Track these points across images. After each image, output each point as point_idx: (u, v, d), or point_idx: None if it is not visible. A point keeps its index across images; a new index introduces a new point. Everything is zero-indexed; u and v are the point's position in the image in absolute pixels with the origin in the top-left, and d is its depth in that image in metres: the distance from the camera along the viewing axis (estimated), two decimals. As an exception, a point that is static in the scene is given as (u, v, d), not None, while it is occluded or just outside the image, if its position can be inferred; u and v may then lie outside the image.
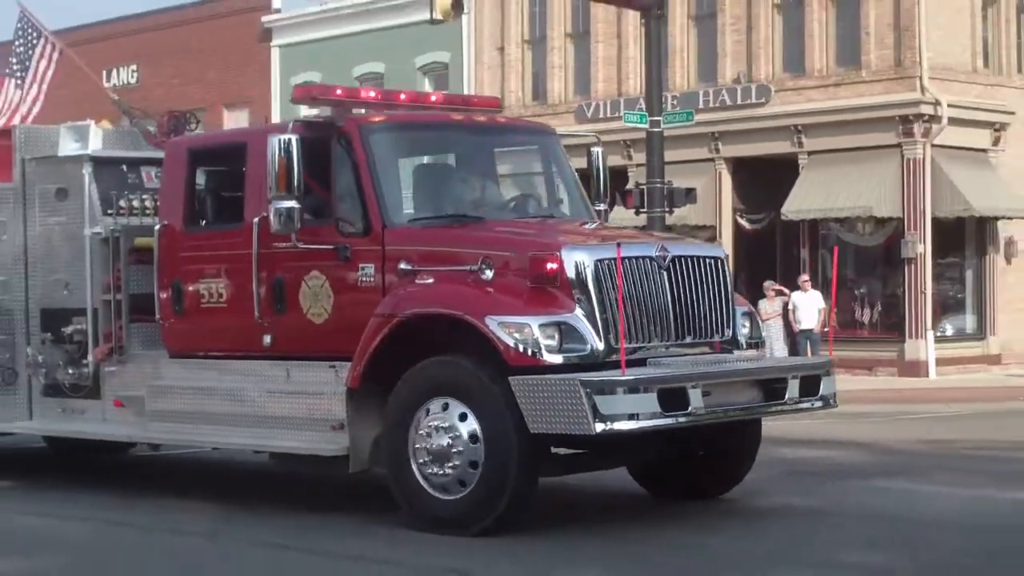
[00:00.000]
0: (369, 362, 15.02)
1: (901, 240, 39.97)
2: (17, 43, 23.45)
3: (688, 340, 15.10)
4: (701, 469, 16.58)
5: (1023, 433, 24.03)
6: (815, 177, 41.16)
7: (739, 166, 43.21)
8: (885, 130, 40.29)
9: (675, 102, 41.31)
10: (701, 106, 41.65)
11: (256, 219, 16.05)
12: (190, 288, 16.99)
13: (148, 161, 18.66)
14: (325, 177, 15.66)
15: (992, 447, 22.12)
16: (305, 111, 20.48)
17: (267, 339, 16.30)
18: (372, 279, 15.39)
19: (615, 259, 14.40)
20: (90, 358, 18.12)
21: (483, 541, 14.19)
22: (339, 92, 16.69)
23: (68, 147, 18.13)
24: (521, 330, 14.14)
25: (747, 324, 15.99)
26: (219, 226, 17.08)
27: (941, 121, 39.85)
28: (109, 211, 18.09)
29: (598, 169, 17.76)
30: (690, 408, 14.23)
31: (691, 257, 15.30)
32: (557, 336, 14.16)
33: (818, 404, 15.82)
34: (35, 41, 23.38)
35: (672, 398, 14.12)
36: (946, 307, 42.13)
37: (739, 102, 42.75)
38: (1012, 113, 41.40)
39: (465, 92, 45.89)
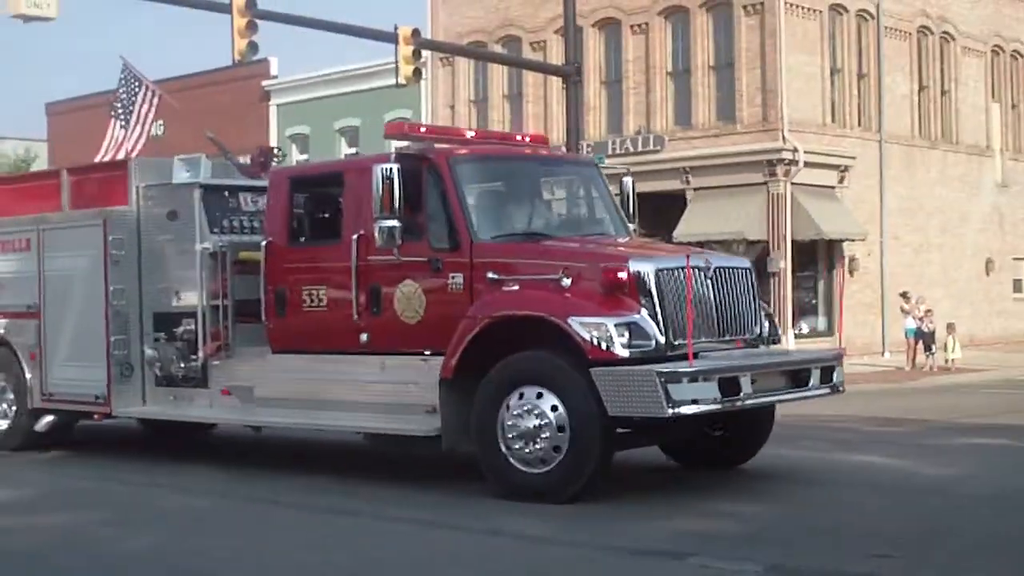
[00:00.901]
0: (461, 356, 13.78)
1: (767, 258, 38.82)
2: (120, 90, 21.92)
3: (727, 337, 14.01)
4: (725, 443, 15.39)
5: (860, 409, 23.36)
6: (699, 208, 40.11)
7: (640, 200, 41.28)
8: (755, 171, 39.33)
9: (590, 149, 39.95)
10: (610, 152, 40.55)
11: (355, 236, 14.78)
12: (292, 294, 15.56)
13: (245, 188, 17.22)
14: (417, 200, 14.33)
15: (841, 420, 21.31)
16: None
17: (364, 337, 14.91)
18: (460, 286, 14.15)
19: (672, 268, 13.60)
20: (201, 354, 16.55)
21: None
22: (422, 129, 15.59)
23: (180, 176, 16.44)
24: (599, 328, 13.04)
25: (768, 324, 14.85)
26: (319, 242, 15.64)
27: (798, 164, 38.98)
28: (215, 230, 16.60)
29: (628, 195, 16.65)
30: (741, 394, 13.30)
31: (728, 267, 14.35)
32: (627, 334, 13.08)
33: (831, 391, 14.78)
34: (137, 89, 21.83)
35: (728, 386, 13.18)
36: (803, 311, 41.22)
37: (640, 149, 41.49)
38: (853, 158, 40.81)
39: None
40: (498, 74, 45.94)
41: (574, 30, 32.11)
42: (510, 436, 13.39)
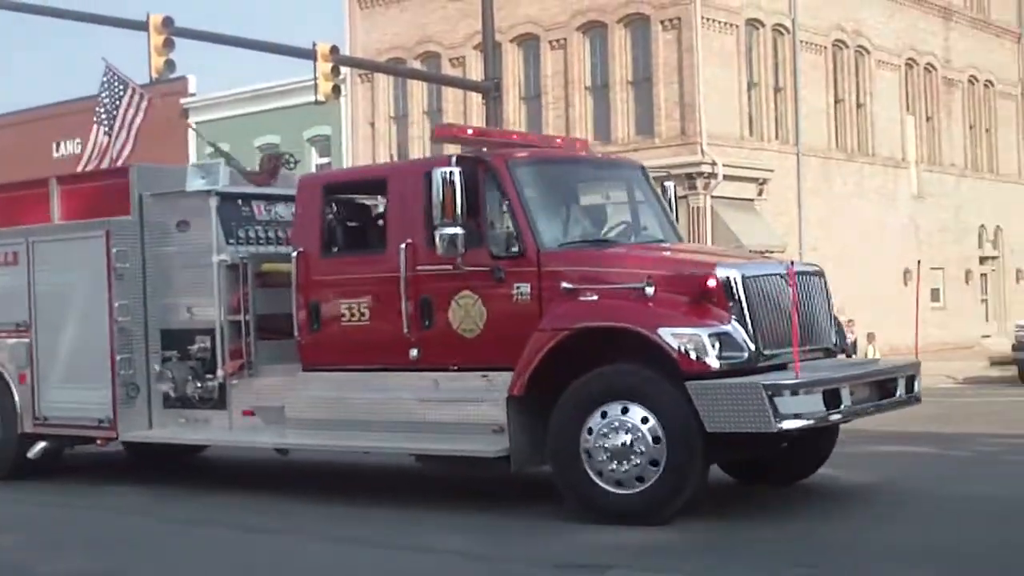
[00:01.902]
0: (534, 372, 12.25)
1: (691, 268, 37.25)
2: (103, 95, 19.92)
3: (807, 347, 12.57)
4: (791, 458, 13.87)
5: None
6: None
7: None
8: (675, 184, 37.48)
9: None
10: (531, 167, 38.61)
11: (403, 245, 13.17)
12: (328, 308, 13.89)
13: (261, 196, 15.54)
14: (475, 206, 12.81)
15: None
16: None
17: (413, 352, 13.28)
18: (527, 297, 12.60)
19: (758, 275, 12.37)
20: (219, 373, 14.81)
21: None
22: (470, 132, 14.10)
23: (195, 183, 14.63)
24: (691, 339, 11.66)
25: (838, 332, 13.58)
26: (359, 252, 14.06)
27: (718, 177, 37.86)
28: (230, 240, 14.87)
29: (670, 200, 15.09)
30: (842, 406, 12.00)
31: (807, 273, 13.06)
32: (719, 344, 11.71)
33: (914, 400, 13.51)
34: (121, 92, 19.84)
35: (831, 398, 11.86)
36: (728, 315, 39.51)
37: (560, 164, 39.58)
38: (771, 171, 39.72)
39: (349, 159, 43.60)
40: (418, 90, 44.38)
41: (492, 46, 30.97)
42: (597, 456, 11.94)
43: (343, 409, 13.65)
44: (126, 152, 20.40)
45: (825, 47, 42.97)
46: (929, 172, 47.23)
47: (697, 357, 11.60)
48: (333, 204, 14.25)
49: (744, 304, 12.01)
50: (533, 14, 41.71)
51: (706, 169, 38.00)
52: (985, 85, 50.64)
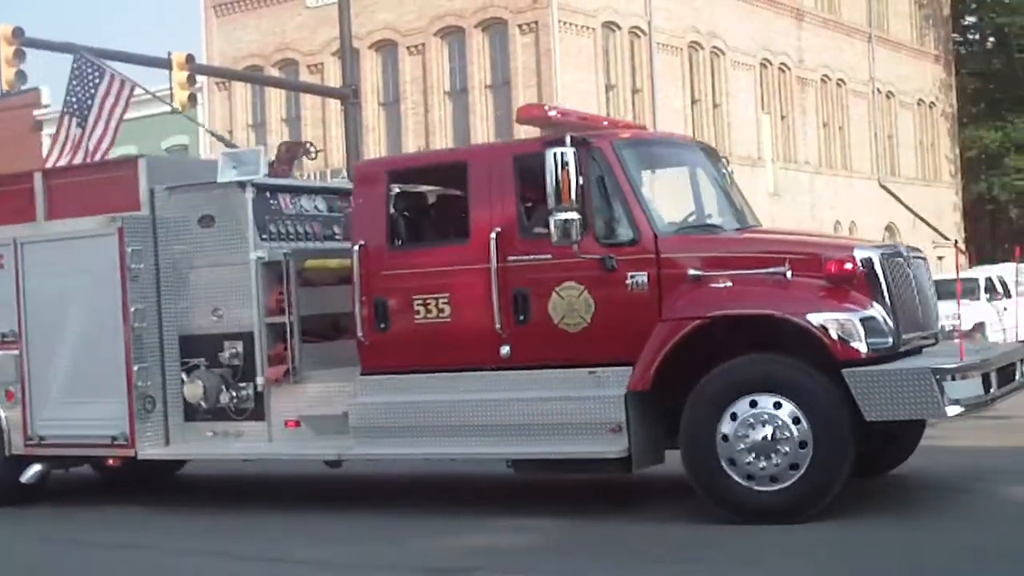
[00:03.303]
0: (660, 365, 10.62)
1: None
2: (73, 83, 17.26)
3: (924, 332, 11.35)
4: (885, 447, 12.29)
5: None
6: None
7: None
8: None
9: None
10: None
11: (492, 234, 11.34)
12: (398, 305, 11.92)
13: (295, 189, 13.51)
14: (579, 191, 10.89)
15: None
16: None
17: (504, 350, 11.45)
18: (644, 286, 10.92)
19: (892, 255, 11.12)
20: (259, 380, 12.66)
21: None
22: (552, 113, 12.05)
23: (227, 174, 12.52)
24: (843, 325, 10.24)
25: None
26: (435, 243, 12.22)
27: (579, 178, 36.02)
28: (263, 236, 12.67)
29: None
30: (992, 390, 10.67)
31: (918, 258, 11.71)
32: (866, 329, 10.30)
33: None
34: (96, 80, 17.24)
35: (985, 382, 10.55)
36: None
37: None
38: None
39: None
40: (276, 97, 42.31)
41: (350, 52, 29.20)
42: (738, 450, 10.40)
43: (422, 414, 11.71)
44: (104, 145, 17.99)
45: (681, 49, 42.09)
46: (784, 170, 46.69)
47: (850, 343, 10.22)
48: (402, 193, 12.40)
49: (884, 287, 10.68)
50: (391, 20, 39.99)
51: (567, 171, 36.59)
52: (837, 84, 50.35)
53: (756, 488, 10.34)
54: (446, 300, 11.65)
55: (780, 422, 10.25)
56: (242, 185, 12.60)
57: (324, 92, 36.67)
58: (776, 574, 9.07)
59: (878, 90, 52.16)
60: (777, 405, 10.28)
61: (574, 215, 10.62)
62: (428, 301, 11.71)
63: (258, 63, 42.01)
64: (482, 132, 38.67)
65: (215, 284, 12.91)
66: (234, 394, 12.77)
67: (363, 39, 38.43)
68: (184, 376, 12.98)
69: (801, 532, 10.01)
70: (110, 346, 13.05)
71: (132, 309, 12.95)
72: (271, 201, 12.99)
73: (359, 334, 11.99)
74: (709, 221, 11.95)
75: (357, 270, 11.95)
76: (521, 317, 11.30)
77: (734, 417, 10.39)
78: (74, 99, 17.57)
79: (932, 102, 56.26)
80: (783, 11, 47.14)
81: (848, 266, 10.55)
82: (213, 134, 15.54)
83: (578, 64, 38.21)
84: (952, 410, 10.07)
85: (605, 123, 13.15)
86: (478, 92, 39.10)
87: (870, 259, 10.64)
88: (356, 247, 11.98)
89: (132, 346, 12.95)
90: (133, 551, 11.40)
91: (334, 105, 36.90)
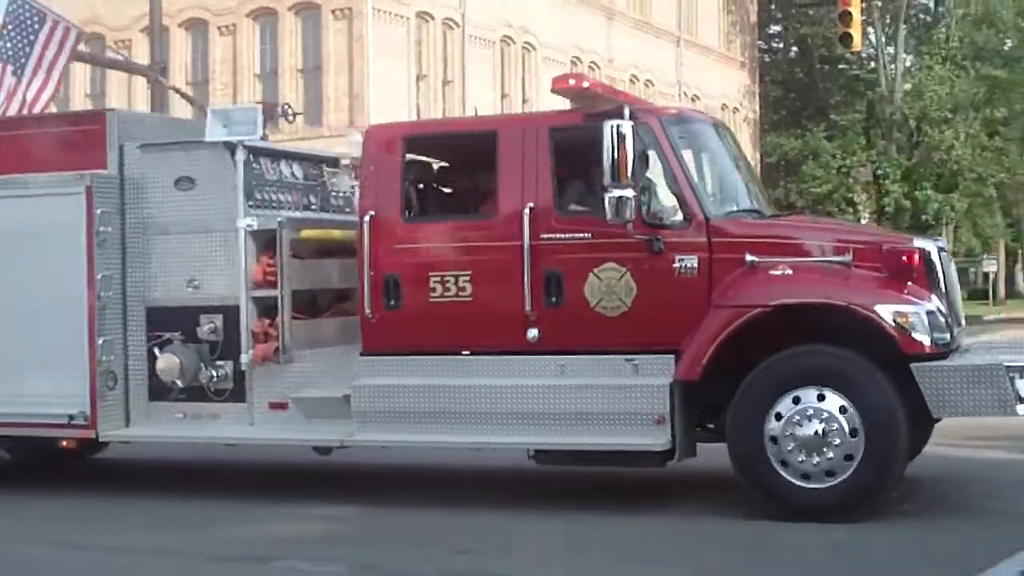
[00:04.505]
0: (714, 354, 9.78)
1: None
2: (7, 27, 15.16)
3: (958, 329, 10.54)
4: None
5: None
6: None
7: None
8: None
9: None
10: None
11: (526, 210, 10.29)
12: (412, 282, 10.74)
13: (283, 154, 12.27)
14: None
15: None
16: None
17: (532, 333, 10.40)
18: (693, 271, 10.05)
19: (943, 248, 10.54)
20: (244, 358, 11.29)
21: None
22: (586, 85, 10.72)
23: (216, 132, 11.12)
24: (910, 317, 9.56)
25: None
26: (457, 216, 11.15)
27: (385, 167, 35.23)
28: (250, 203, 11.29)
29: None
30: None
31: (946, 251, 10.84)
32: (930, 323, 9.63)
33: None
34: (36, 25, 15.21)
35: None
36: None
37: (229, 150, 36.46)
38: (440, 162, 37.11)
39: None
40: (80, 73, 39.56)
41: (159, 29, 27.61)
42: (784, 448, 9.64)
43: (437, 399, 10.57)
44: (44, 97, 15.94)
45: (493, 42, 41.35)
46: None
47: (915, 337, 9.54)
48: (420, 161, 11.33)
49: (942, 280, 10.14)
50: (203, -1, 38.01)
51: (374, 160, 35.65)
52: (646, 85, 49.95)
53: (804, 484, 9.61)
54: (467, 278, 10.57)
55: (831, 416, 9.54)
56: (232, 146, 11.21)
57: (131, 69, 34.43)
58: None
59: (684, 93, 52.26)
60: (824, 399, 9.58)
61: (630, 192, 9.72)
62: (447, 279, 10.61)
63: (63, 34, 39.32)
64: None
65: (191, 252, 11.53)
66: (213, 373, 11.37)
67: (173, 17, 36.49)
68: (157, 351, 11.50)
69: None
70: (71, 316, 11.49)
71: (99, 276, 11.43)
72: (254, 166, 11.63)
73: (366, 311, 10.80)
74: (749, 206, 11.11)
75: (366, 243, 10.76)
76: (553, 299, 10.31)
77: (782, 411, 9.66)
78: (9, 45, 15.55)
79: (736, 108, 56.50)
80: (595, 10, 46.72)
81: (908, 258, 9.92)
82: (182, 95, 13.92)
83: (390, 53, 37.17)
84: (1021, 408, 9.50)
85: (622, 97, 12.07)
86: (288, 76, 37.74)
87: (928, 252, 10.07)
88: (366, 218, 10.78)
89: (97, 317, 11.41)
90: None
91: (141, 82, 34.53)
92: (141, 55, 35.93)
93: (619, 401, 10.08)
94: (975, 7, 53.25)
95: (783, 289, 9.80)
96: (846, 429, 9.50)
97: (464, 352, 10.61)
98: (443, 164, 11.64)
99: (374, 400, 10.71)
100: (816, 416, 9.56)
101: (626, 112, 9.95)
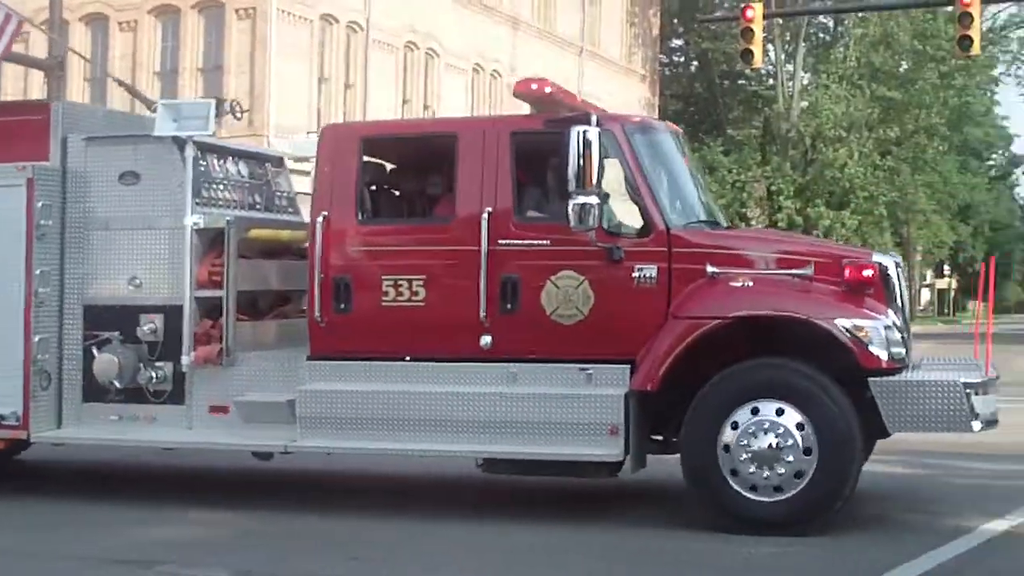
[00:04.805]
0: (672, 365, 9.76)
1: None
2: None
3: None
4: None
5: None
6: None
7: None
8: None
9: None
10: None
11: (484, 214, 10.21)
12: (364, 285, 10.58)
13: (239, 153, 12.17)
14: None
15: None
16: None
17: (485, 340, 10.28)
18: (651, 281, 10.01)
19: (898, 263, 10.59)
20: (185, 360, 11.04)
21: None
22: (548, 91, 10.63)
23: (166, 126, 10.89)
24: (868, 332, 9.65)
25: None
26: (413, 220, 11.01)
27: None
28: (196, 200, 11.06)
29: None
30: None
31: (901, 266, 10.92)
32: (887, 338, 9.73)
33: None
34: None
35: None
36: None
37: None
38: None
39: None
40: (-29, 64, 38.50)
41: (60, 23, 27.26)
42: (737, 461, 9.65)
43: (385, 405, 10.40)
44: None
45: (397, 47, 41.07)
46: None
47: (873, 351, 9.62)
48: (377, 162, 11.15)
49: (898, 294, 10.25)
50: (105, -8, 37.37)
51: (273, 161, 35.28)
52: None
53: (756, 498, 9.62)
54: (421, 282, 10.44)
55: (785, 432, 9.56)
56: (181, 142, 11.01)
57: (29, 62, 33.71)
58: None
59: (585, 103, 52.35)
60: (782, 413, 9.61)
61: (595, 199, 9.67)
62: (400, 282, 10.48)
63: (-43, 24, 38.36)
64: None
65: (134, 250, 11.27)
66: (152, 374, 11.13)
67: (74, 11, 35.77)
68: (95, 350, 11.23)
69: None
70: (6, 312, 11.19)
71: (37, 272, 11.15)
72: (202, 162, 11.42)
73: (315, 314, 10.63)
74: (707, 217, 11.13)
75: (318, 244, 10.59)
76: (508, 306, 10.22)
77: (737, 424, 9.66)
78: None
79: (636, 120, 56.82)
80: (500, 19, 46.48)
81: (868, 272, 9.96)
82: (126, 87, 13.62)
83: (293, 54, 36.69)
84: (976, 425, 9.65)
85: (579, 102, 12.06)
86: (189, 75, 37.14)
87: (886, 267, 10.15)
88: (319, 219, 10.62)
89: (33, 314, 11.13)
90: None
91: (38, 76, 34.09)
92: (39, 48, 35.20)
93: (572, 411, 10.00)
94: (873, 28, 54.13)
95: (743, 301, 9.84)
96: (800, 447, 9.54)
97: (409, 358, 10.47)
98: (400, 165, 11.46)
99: (320, 405, 10.51)
100: (772, 430, 9.59)
101: (593, 119, 9.91)
